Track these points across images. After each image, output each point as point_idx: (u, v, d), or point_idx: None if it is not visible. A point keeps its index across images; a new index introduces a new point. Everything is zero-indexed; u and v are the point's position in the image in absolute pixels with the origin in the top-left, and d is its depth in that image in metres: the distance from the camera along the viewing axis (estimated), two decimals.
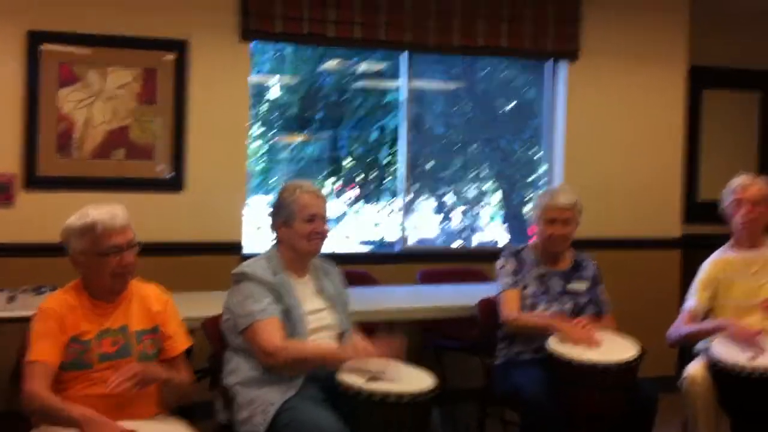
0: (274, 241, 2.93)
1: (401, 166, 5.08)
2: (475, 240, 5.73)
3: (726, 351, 3.16)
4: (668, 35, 5.35)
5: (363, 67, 5.39)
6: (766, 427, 3.19)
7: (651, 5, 5.30)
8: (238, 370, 2.75)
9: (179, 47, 4.37)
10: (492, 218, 5.86)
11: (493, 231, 5.85)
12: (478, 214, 5.82)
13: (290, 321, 2.76)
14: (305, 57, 5.39)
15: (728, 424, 3.25)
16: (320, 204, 2.90)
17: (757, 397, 3.10)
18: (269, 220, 2.93)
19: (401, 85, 5.05)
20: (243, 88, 4.56)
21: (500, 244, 5.48)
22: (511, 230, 5.76)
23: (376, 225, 5.69)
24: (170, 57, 4.37)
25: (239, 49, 4.51)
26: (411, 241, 5.12)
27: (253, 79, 4.83)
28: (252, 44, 4.60)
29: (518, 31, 4.98)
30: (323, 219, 2.90)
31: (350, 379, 2.62)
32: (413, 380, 2.69)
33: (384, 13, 4.71)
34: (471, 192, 5.78)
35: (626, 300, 4.96)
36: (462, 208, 5.79)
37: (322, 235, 2.89)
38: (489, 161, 5.71)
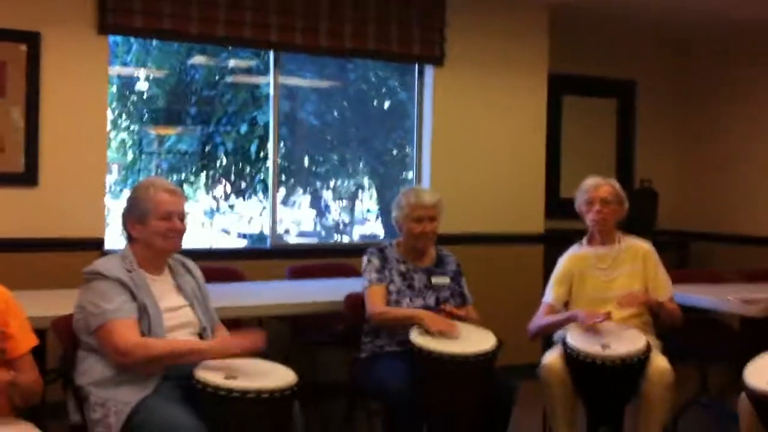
0: (128, 240, 2.85)
1: (271, 162, 5.05)
2: (354, 234, 5.79)
3: (580, 341, 3.30)
4: (530, 43, 5.57)
5: (233, 62, 5.34)
6: (617, 410, 3.35)
7: (513, 14, 5.50)
8: (91, 369, 2.65)
9: (31, 39, 4.22)
10: (367, 212, 5.93)
11: (371, 226, 5.92)
12: (353, 210, 5.87)
13: (146, 319, 2.69)
14: (172, 50, 5.28)
15: (583, 409, 3.40)
16: (177, 201, 2.84)
17: (609, 383, 3.25)
18: (122, 219, 2.85)
19: (269, 82, 5.03)
20: (101, 81, 4.44)
21: (379, 239, 5.55)
22: (386, 226, 5.84)
23: (249, 221, 5.64)
24: (22, 48, 4.21)
25: (97, 41, 4.39)
26: (289, 237, 5.10)
27: (119, 71, 4.70)
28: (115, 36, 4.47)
29: (385, 34, 5.06)
30: (181, 216, 2.84)
31: (208, 376, 2.58)
32: (273, 376, 2.67)
33: (249, 12, 4.67)
34: (346, 188, 5.83)
35: (493, 293, 5.16)
36: (338, 204, 5.82)
37: (179, 233, 2.84)
38: (364, 159, 5.77)
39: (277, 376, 2.69)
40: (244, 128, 5.41)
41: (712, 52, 6.59)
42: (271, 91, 5.02)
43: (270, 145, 5.04)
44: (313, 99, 5.51)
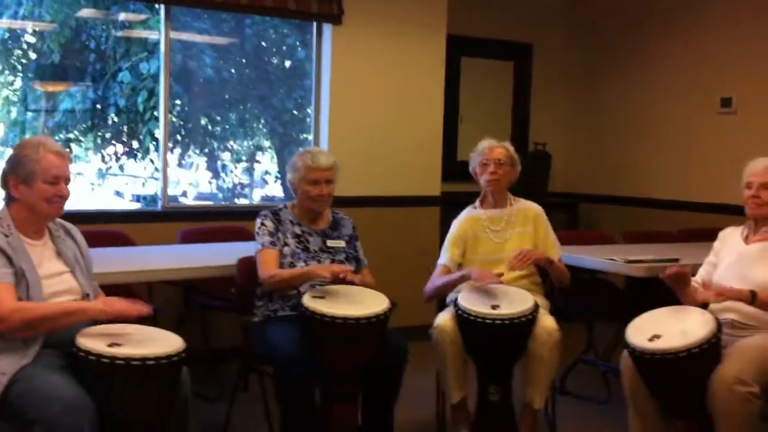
0: (5, 200, 2.71)
1: (162, 120, 4.90)
2: (254, 196, 5.70)
3: (470, 301, 3.36)
4: (428, 3, 5.57)
5: (124, 15, 5.12)
6: (506, 369, 3.44)
7: None
8: None
9: None
10: (265, 174, 5.84)
11: (270, 188, 5.84)
12: (253, 171, 5.77)
13: (25, 286, 2.57)
14: (62, 2, 5.01)
15: (474, 369, 3.47)
16: (65, 165, 2.72)
17: (498, 342, 3.33)
18: (1, 178, 2.70)
19: (159, 38, 4.85)
20: None
21: (279, 201, 5.47)
22: (286, 188, 5.76)
23: (144, 184, 5.47)
24: None
25: None
26: (186, 200, 4.97)
27: (5, 23, 4.42)
28: None
29: None
30: (67, 181, 2.72)
31: (90, 343, 2.50)
32: (159, 342, 2.61)
33: None
34: (245, 149, 5.72)
35: (390, 255, 5.20)
36: (236, 165, 5.71)
37: (64, 199, 2.72)
38: (263, 119, 5.67)
39: (164, 342, 2.63)
40: (136, 85, 5.21)
41: (608, 17, 6.74)
42: (162, 46, 4.85)
43: (161, 103, 4.88)
44: (209, 55, 5.35)
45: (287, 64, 5.69)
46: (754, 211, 3.26)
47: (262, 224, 3.43)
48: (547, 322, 3.40)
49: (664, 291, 3.31)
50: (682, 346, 2.86)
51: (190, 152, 5.50)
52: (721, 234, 3.46)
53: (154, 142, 5.18)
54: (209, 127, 5.54)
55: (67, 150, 5.06)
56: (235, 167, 5.74)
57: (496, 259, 3.66)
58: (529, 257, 3.49)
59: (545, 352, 3.36)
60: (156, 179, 5.08)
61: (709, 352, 2.89)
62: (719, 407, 2.86)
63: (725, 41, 5.86)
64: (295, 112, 5.72)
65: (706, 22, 6.01)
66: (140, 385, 2.52)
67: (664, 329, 2.98)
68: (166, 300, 4.26)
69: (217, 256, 3.75)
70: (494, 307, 3.31)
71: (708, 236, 3.54)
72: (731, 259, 3.30)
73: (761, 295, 3.03)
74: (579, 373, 4.55)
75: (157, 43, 4.97)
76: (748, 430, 2.87)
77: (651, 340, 2.93)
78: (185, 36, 5.15)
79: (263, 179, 5.89)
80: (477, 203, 3.83)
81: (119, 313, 2.60)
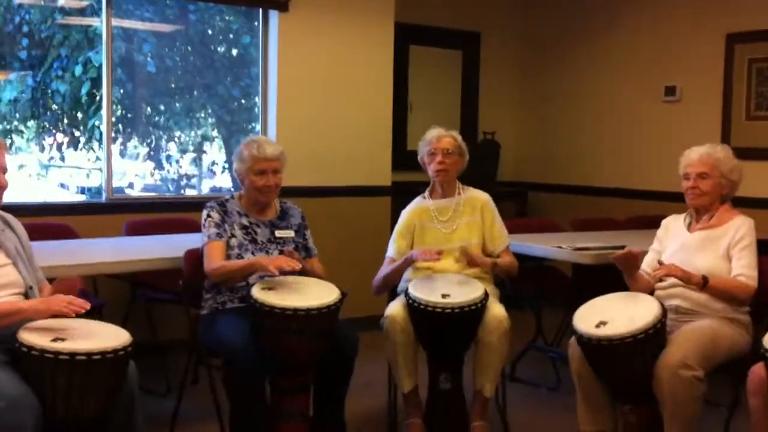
0: None
1: (105, 110, 4.79)
2: (203, 187, 5.61)
3: (421, 291, 3.36)
4: None
5: (64, 1, 4.98)
6: (457, 357, 3.46)
7: None
8: None
9: None
10: (212, 165, 5.75)
11: (218, 179, 5.75)
12: (200, 162, 5.68)
13: None
14: None
15: (425, 358, 3.48)
16: (1, 155, 2.64)
17: (448, 331, 3.35)
18: None
19: (101, 25, 4.74)
20: None
21: (228, 192, 5.41)
22: (234, 178, 5.69)
23: (88, 175, 5.34)
24: None
25: None
26: (132, 191, 4.87)
27: None
28: None
29: None
30: (4, 170, 2.64)
31: (33, 338, 2.44)
32: (104, 336, 2.56)
33: None
34: (192, 139, 5.62)
35: (341, 246, 5.19)
36: (182, 155, 5.61)
37: (2, 188, 2.64)
38: (209, 108, 5.58)
39: (109, 336, 2.58)
40: (78, 73, 5.08)
41: (555, 6, 6.79)
42: (104, 34, 4.73)
43: (104, 92, 4.77)
44: (152, 42, 5.24)
45: (233, 52, 5.61)
46: (694, 201, 3.32)
47: (209, 216, 3.38)
48: (496, 310, 3.42)
49: (611, 278, 3.35)
50: (628, 332, 2.91)
51: (135, 143, 5.39)
52: (664, 222, 3.52)
53: (97, 133, 5.07)
54: (154, 117, 5.43)
55: (8, 141, 4.95)
56: (182, 157, 5.65)
57: (443, 249, 3.65)
58: (473, 262, 3.52)
59: (495, 339, 3.38)
60: (100, 170, 4.97)
61: (654, 337, 2.94)
62: (665, 391, 2.91)
63: (670, 30, 5.97)
64: (242, 100, 5.64)
65: (652, 11, 6.10)
66: (85, 381, 2.47)
67: (611, 315, 3.02)
68: (112, 293, 4.18)
69: (164, 248, 3.69)
70: (444, 296, 3.32)
71: (655, 224, 3.60)
72: (675, 247, 3.36)
73: (712, 281, 3.10)
74: (529, 360, 4.60)
75: (98, 31, 4.85)
76: (693, 413, 2.93)
77: (598, 326, 2.97)
78: (127, 23, 5.03)
79: (210, 170, 5.81)
80: (426, 193, 3.82)
81: (57, 313, 2.53)
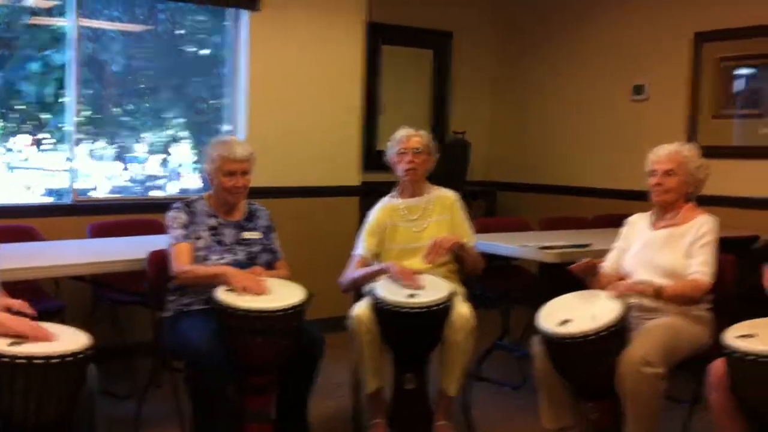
0: None
1: (72, 111, 4.74)
2: (171, 189, 5.57)
3: (387, 291, 3.37)
4: None
5: (32, 1, 4.93)
6: (423, 357, 3.47)
7: None
8: None
9: None
10: (179, 166, 5.71)
11: (187, 180, 5.71)
12: (168, 163, 5.64)
13: None
14: None
15: (390, 359, 3.48)
16: None
17: (414, 330, 3.35)
18: None
19: (69, 25, 4.70)
20: None
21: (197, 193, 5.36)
22: (204, 178, 5.64)
23: (55, 176, 5.28)
24: None
25: None
26: (99, 193, 4.83)
27: None
28: None
29: None
30: None
31: None
32: (64, 339, 2.53)
33: None
34: (160, 140, 5.58)
35: (310, 247, 5.17)
36: (151, 156, 5.57)
37: None
38: (178, 109, 5.54)
39: (68, 339, 2.56)
40: (44, 74, 5.03)
41: (526, 6, 6.82)
42: (72, 34, 4.69)
43: (71, 93, 4.73)
44: (121, 42, 5.19)
45: (204, 52, 5.57)
46: (658, 197, 3.34)
47: (175, 217, 3.36)
48: (462, 309, 3.43)
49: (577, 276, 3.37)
50: (591, 330, 2.93)
51: (103, 144, 5.34)
52: (629, 220, 3.54)
53: (64, 134, 5.02)
54: (122, 118, 5.39)
55: None
56: (150, 159, 5.60)
57: (413, 248, 3.68)
58: (443, 245, 3.52)
59: (461, 339, 3.39)
60: (67, 172, 4.92)
61: (617, 335, 2.97)
62: (627, 388, 2.93)
63: (639, 28, 6.01)
64: (212, 101, 5.61)
65: (620, 9, 6.14)
66: (44, 385, 2.44)
67: (574, 314, 3.04)
68: (76, 296, 4.14)
69: (128, 249, 3.66)
70: (411, 296, 3.33)
71: (621, 222, 3.62)
72: (639, 244, 3.38)
73: (667, 290, 3.12)
74: (494, 359, 4.62)
75: (66, 31, 4.80)
76: (654, 409, 2.96)
77: (561, 324, 2.99)
78: (96, 23, 4.98)
79: (177, 171, 5.77)
80: (394, 192, 3.83)
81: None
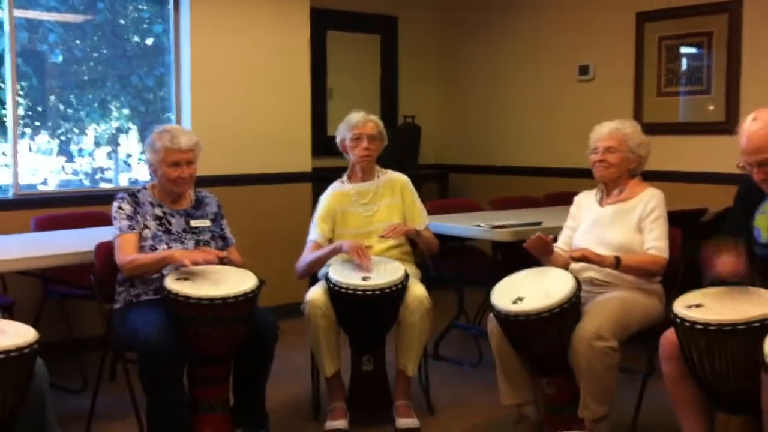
0: None
1: (10, 103, 4.62)
2: (120, 181, 5.46)
3: (341, 274, 3.37)
4: None
5: None
6: (379, 338, 3.48)
7: None
8: None
9: None
10: (128, 157, 5.60)
11: (135, 171, 5.60)
12: (115, 154, 5.52)
13: None
14: None
15: (347, 341, 3.49)
16: None
17: (370, 313, 3.36)
18: None
19: (2, 16, 4.56)
20: None
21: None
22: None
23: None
24: None
25: None
26: (45, 187, 4.70)
27: None
28: None
29: None
30: None
31: None
32: (8, 335, 2.47)
33: None
34: (106, 131, 5.46)
35: (262, 234, 5.13)
36: (96, 148, 5.45)
37: None
38: (123, 99, 5.43)
39: (13, 334, 2.49)
40: None
41: None
42: (6, 25, 4.56)
43: (8, 85, 4.60)
44: (59, 33, 5.06)
45: (147, 41, 5.46)
46: (602, 173, 3.37)
47: (119, 208, 3.28)
48: (417, 290, 3.44)
49: (530, 254, 3.39)
50: (544, 307, 2.95)
51: (46, 136, 5.21)
52: (576, 198, 3.57)
53: (5, 128, 4.88)
54: (64, 110, 5.26)
55: None
56: (97, 151, 5.48)
57: (366, 232, 3.68)
58: (400, 230, 3.53)
59: (417, 319, 3.40)
60: (7, 166, 4.79)
61: (569, 311, 2.99)
62: (581, 362, 2.96)
63: (583, 9, 6.06)
64: (157, 90, 5.50)
65: None
66: None
67: (527, 291, 3.06)
68: (23, 291, 4.04)
69: (74, 242, 3.58)
70: (365, 279, 3.33)
71: (570, 200, 3.64)
72: (588, 222, 3.41)
73: (625, 259, 3.15)
74: (452, 338, 4.64)
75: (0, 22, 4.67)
76: (609, 382, 2.99)
77: (515, 302, 3.01)
78: (31, 14, 4.85)
79: (126, 162, 5.65)
80: (344, 177, 3.81)
81: None
